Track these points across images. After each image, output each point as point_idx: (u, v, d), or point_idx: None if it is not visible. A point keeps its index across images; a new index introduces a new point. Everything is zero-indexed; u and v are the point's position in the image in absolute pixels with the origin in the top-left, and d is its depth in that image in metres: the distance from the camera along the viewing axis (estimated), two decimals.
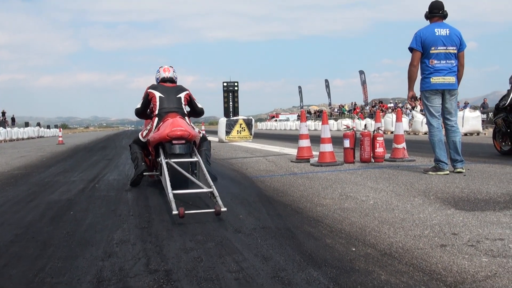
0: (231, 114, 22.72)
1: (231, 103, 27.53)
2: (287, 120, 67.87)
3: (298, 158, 9.48)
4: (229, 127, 20.12)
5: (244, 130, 20.22)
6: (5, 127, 38.85)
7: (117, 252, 3.35)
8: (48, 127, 64.90)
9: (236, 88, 31.76)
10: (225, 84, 33.74)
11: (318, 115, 58.13)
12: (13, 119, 52.07)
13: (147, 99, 6.51)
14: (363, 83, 46.68)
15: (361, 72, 47.51)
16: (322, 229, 3.80)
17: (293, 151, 11.96)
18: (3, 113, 48.99)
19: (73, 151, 17.83)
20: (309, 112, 63.05)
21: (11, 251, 3.48)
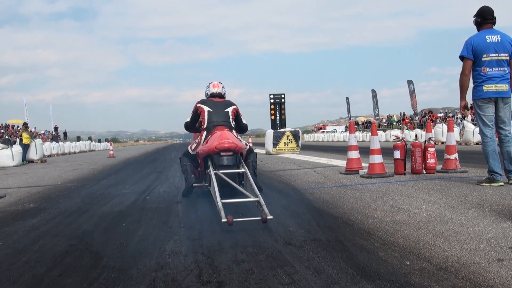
0: (278, 126, 22.71)
1: (278, 115, 27.54)
2: (334, 131, 67.26)
3: (347, 169, 9.39)
4: (276, 139, 20.16)
5: (291, 142, 20.21)
6: (57, 142, 40.29)
7: (170, 263, 3.40)
8: (99, 141, 66.89)
9: (282, 100, 31.81)
10: (272, 96, 33.90)
11: (366, 126, 57.41)
12: (65, 134, 53.88)
13: (196, 113, 6.61)
14: (412, 92, 45.80)
15: (410, 82, 46.65)
16: (374, 241, 3.75)
17: (341, 163, 11.86)
18: (56, 128, 50.92)
19: (123, 164, 18.32)
20: (356, 123, 62.41)
21: (65, 261, 3.60)
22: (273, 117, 31.58)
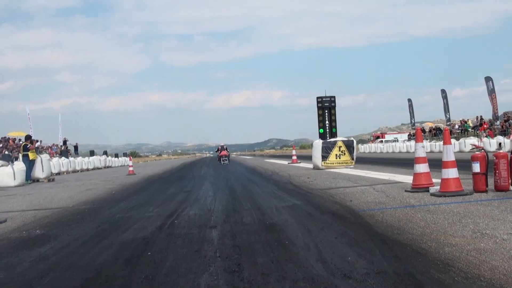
0: (327, 135, 22.51)
1: (327, 122, 27.20)
2: (395, 140, 66.44)
3: (414, 186, 9.24)
4: (326, 150, 20.03)
5: (344, 154, 20.05)
6: (67, 157, 41.05)
7: None
8: (116, 155, 67.93)
9: (333, 104, 31.47)
10: (319, 99, 33.62)
11: (434, 133, 56.55)
12: (76, 148, 54.74)
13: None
14: (491, 92, 44.88)
15: (488, 79, 45.75)
16: (454, 275, 3.66)
17: (406, 178, 11.69)
18: (65, 142, 51.66)
19: (146, 182, 18.59)
20: (423, 130, 61.56)
21: None
22: (321, 124, 31.33)
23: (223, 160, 35.85)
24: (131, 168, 26.95)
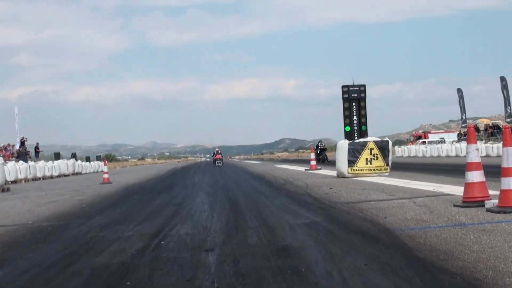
0: (355, 134, 22.29)
1: (355, 117, 26.97)
2: (441, 141, 66.32)
3: (465, 200, 9.22)
4: (354, 154, 19.90)
5: (377, 158, 19.94)
6: (26, 161, 40.98)
7: None
8: (88, 159, 68.23)
9: (362, 95, 31.08)
10: (345, 89, 33.15)
11: (491, 132, 56.45)
12: (37, 149, 54.41)
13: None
14: None
15: None
16: None
17: (455, 190, 11.66)
18: (23, 142, 51.04)
19: (125, 193, 18.66)
20: (477, 129, 61.38)
21: None
22: (347, 120, 31.02)
23: (217, 163, 55.60)
24: (106, 175, 26.96)
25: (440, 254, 5.57)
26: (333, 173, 21.38)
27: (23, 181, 35.52)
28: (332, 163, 27.24)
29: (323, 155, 46.36)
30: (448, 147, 55.53)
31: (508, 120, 55.44)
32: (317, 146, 47.86)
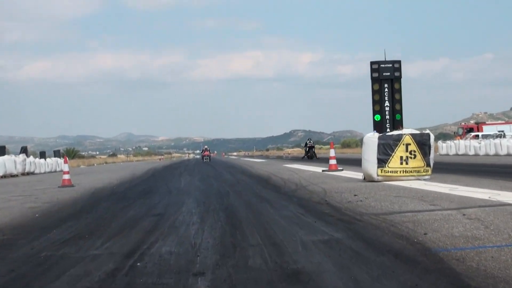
0: (388, 125, 22.02)
1: (387, 103, 26.66)
2: (500, 135, 66.24)
3: None
4: (385, 151, 19.72)
5: (415, 156, 19.80)
6: None
7: None
8: (43, 155, 67.90)
9: (397, 74, 30.96)
10: (375, 66, 33.02)
11: None
12: None
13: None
14: None
15: None
16: None
17: None
18: None
19: (91, 199, 18.67)
20: None
21: None
22: (377, 107, 30.83)
23: (205, 159, 79.74)
24: (66, 176, 26.84)
25: (498, 283, 5.54)
26: (358, 175, 21.33)
27: None
28: (325, 160, 27.11)
29: (311, 152, 63.10)
30: (509, 143, 55.37)
31: None
32: (306, 144, 66.65)
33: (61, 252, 8.36)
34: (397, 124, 21.20)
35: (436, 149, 54.17)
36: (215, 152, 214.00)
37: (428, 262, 6.63)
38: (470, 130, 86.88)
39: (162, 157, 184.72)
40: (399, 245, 7.76)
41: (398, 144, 19.89)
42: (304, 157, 65.55)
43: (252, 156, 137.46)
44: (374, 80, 32.11)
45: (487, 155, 54.24)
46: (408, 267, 6.39)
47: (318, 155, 62.86)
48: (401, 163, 19.80)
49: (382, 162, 19.77)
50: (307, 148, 64.44)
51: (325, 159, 39.87)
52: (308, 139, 68.34)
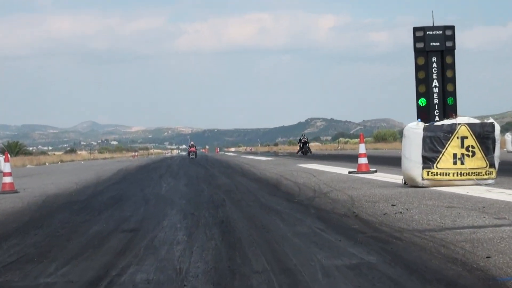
0: (436, 112, 21.81)
1: (435, 83, 26.47)
2: None
3: None
4: (433, 146, 19.57)
5: (473, 154, 19.65)
6: None
7: None
8: None
9: (449, 45, 30.79)
10: (420, 34, 32.94)
11: None
12: None
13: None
14: None
15: None
16: None
17: None
18: None
19: (41, 210, 18.76)
20: None
21: None
22: (423, 88, 30.61)
23: (191, 155, 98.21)
24: (8, 179, 26.99)
25: None
26: (397, 178, 21.29)
27: None
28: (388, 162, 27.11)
29: (305, 148, 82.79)
30: None
31: None
32: (300, 139, 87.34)
33: (2, 279, 8.21)
34: (449, 110, 21.00)
35: (503, 144, 54.15)
36: (207, 147, 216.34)
37: None
38: None
39: (137, 153, 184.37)
40: (452, 272, 7.63)
41: (450, 137, 19.65)
42: (298, 152, 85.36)
43: (256, 153, 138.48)
44: (418, 52, 32.01)
45: None
46: None
47: (343, 150, 65.92)
48: (455, 163, 19.60)
49: (429, 161, 19.58)
50: (301, 144, 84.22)
51: (352, 157, 39.98)
52: (302, 135, 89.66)
